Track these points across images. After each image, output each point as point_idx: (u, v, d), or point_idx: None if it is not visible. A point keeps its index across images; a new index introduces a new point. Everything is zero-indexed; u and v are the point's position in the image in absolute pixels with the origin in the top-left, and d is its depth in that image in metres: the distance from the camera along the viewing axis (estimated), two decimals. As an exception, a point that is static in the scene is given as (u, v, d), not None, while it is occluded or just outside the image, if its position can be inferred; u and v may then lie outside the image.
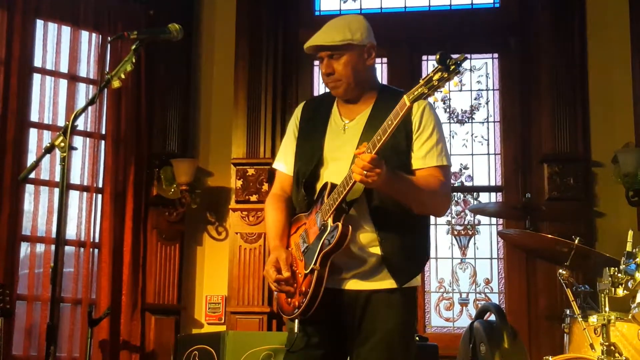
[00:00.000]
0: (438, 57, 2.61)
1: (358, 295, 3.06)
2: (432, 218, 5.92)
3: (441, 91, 2.69)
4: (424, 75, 6.57)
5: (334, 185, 3.01)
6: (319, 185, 3.14)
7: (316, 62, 6.19)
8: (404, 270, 3.06)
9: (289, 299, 3.08)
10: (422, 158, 3.08)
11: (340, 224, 2.92)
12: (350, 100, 3.23)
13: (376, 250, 3.03)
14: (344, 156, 3.09)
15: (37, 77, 6.06)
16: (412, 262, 3.11)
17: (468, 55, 6.65)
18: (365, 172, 2.76)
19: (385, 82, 6.65)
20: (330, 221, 2.96)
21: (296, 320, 3.08)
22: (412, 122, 3.08)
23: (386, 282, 3.05)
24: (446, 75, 2.62)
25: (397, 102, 2.77)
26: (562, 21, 6.34)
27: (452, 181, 6.53)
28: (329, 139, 3.20)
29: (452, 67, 2.61)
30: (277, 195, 3.34)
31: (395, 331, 3.04)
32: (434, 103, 3.06)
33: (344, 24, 3.19)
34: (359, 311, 3.06)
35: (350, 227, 2.94)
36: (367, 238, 3.04)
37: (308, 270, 2.98)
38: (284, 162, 3.35)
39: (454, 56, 2.63)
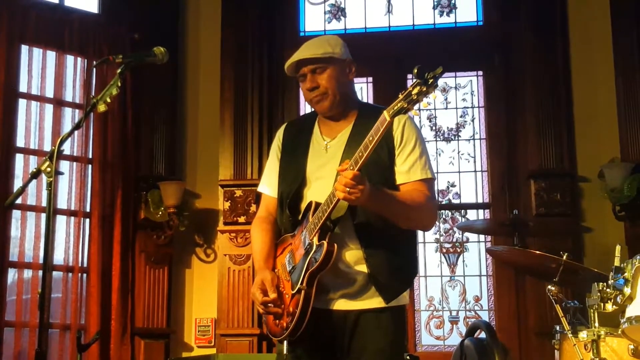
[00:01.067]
0: (416, 71, 2.60)
1: (347, 315, 3.04)
2: (419, 234, 5.90)
3: (421, 106, 2.68)
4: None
5: (318, 204, 3.00)
6: (303, 206, 3.13)
7: (302, 83, 6.19)
8: (391, 287, 3.05)
9: (277, 321, 3.06)
10: (405, 172, 3.08)
11: (325, 243, 2.91)
12: (332, 118, 3.23)
13: (363, 267, 3.02)
14: (327, 175, 3.09)
15: (22, 102, 6.05)
16: (400, 278, 3.10)
17: (452, 72, 6.71)
18: (348, 189, 2.75)
19: (370, 101, 6.67)
20: (315, 240, 2.95)
21: (285, 342, 3.07)
22: (394, 137, 3.08)
23: (374, 301, 3.03)
24: (425, 89, 2.60)
25: (377, 118, 2.77)
26: (545, 38, 6.39)
27: (440, 199, 6.54)
28: (311, 158, 3.20)
29: (431, 80, 2.59)
30: (262, 217, 3.35)
31: (385, 351, 3.02)
32: (413, 117, 3.07)
33: (323, 40, 3.24)
34: (348, 331, 3.04)
35: (335, 245, 2.92)
36: (354, 256, 3.02)
37: (295, 291, 2.96)
38: (268, 185, 3.35)
39: (433, 69, 2.62)
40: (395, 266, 3.05)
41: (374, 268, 3.01)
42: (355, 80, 7.34)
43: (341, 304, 3.05)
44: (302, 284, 2.93)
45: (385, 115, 2.71)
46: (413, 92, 2.62)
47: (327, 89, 3.16)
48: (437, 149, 6.62)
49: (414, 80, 2.62)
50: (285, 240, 3.19)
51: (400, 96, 2.66)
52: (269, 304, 3.03)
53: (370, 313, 3.03)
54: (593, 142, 6.24)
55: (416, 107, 2.68)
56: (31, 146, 6.02)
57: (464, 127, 6.66)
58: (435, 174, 3.24)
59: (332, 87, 3.15)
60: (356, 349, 3.03)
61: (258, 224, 3.33)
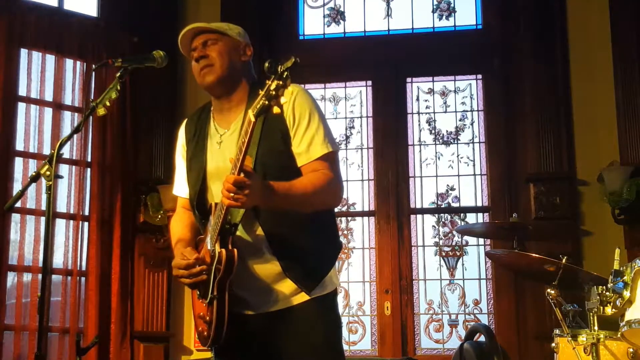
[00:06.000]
0: (267, 65, 2.50)
1: (268, 317, 2.93)
2: (418, 236, 5.86)
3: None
4: (409, 97, 6.52)
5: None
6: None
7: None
8: (310, 275, 2.91)
9: (200, 328, 2.97)
10: (305, 153, 2.92)
11: (223, 251, 2.78)
12: (222, 103, 3.13)
13: (275, 264, 2.88)
14: (224, 172, 2.84)
15: (21, 106, 6.05)
16: (317, 264, 2.95)
17: (451, 76, 6.72)
18: (232, 195, 2.61)
19: (370, 104, 6.68)
20: (217, 247, 2.81)
21: (213, 350, 3.04)
22: (286, 119, 2.92)
23: (295, 298, 2.91)
24: (282, 83, 2.48)
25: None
26: (544, 42, 6.40)
27: (439, 202, 6.54)
28: (209, 154, 3.09)
29: (285, 73, 2.49)
30: (180, 211, 3.28)
31: (318, 348, 2.91)
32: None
33: (221, 23, 3.22)
34: (276, 333, 2.93)
35: (235, 250, 2.78)
36: (263, 254, 2.90)
37: (208, 300, 2.85)
38: (180, 187, 3.28)
39: (284, 62, 2.52)
40: (309, 252, 2.92)
41: (287, 262, 2.88)
42: (355, 83, 7.35)
43: (261, 307, 2.93)
44: (212, 292, 2.82)
45: (250, 115, 2.57)
46: (271, 88, 2.49)
47: (215, 60, 3.08)
48: (436, 153, 6.62)
49: (270, 76, 2.51)
50: (200, 242, 3.09)
51: (261, 93, 2.53)
52: (191, 267, 2.86)
53: (295, 310, 2.90)
54: (592, 146, 6.25)
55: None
56: (30, 150, 6.01)
57: (463, 131, 6.66)
58: (339, 146, 3.04)
59: (220, 60, 3.07)
60: (288, 350, 2.92)
61: (175, 218, 3.27)
